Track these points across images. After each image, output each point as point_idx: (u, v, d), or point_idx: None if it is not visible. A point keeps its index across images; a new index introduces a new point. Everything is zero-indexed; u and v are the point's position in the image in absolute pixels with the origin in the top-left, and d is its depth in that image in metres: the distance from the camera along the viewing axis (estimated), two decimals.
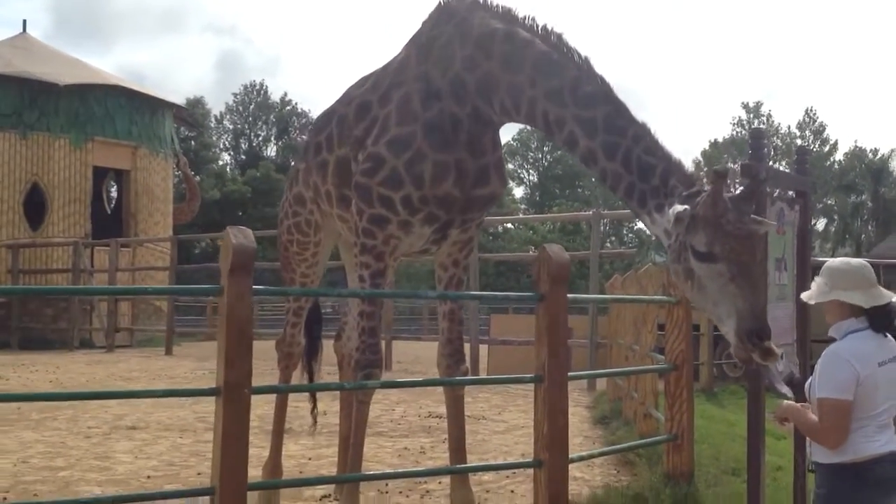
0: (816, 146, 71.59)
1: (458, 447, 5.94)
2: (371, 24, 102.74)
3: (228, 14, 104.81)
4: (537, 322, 5.85)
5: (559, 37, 5.14)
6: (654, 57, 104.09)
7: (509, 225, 60.74)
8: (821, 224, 72.75)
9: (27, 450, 8.37)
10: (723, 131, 75.46)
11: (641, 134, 4.84)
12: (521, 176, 73.78)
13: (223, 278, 4.83)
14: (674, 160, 4.80)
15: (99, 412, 10.51)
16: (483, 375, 15.80)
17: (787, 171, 7.83)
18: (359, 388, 5.53)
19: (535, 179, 72.89)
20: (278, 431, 6.86)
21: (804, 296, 4.12)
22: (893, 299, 3.83)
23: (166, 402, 10.98)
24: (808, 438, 3.91)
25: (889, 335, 3.84)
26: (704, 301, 4.47)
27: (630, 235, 67.94)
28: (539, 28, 5.18)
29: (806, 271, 6.51)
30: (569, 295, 5.84)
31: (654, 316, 8.67)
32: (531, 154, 73.00)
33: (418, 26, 5.72)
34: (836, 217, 71.59)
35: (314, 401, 7.34)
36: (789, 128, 72.48)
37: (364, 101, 5.70)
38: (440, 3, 5.50)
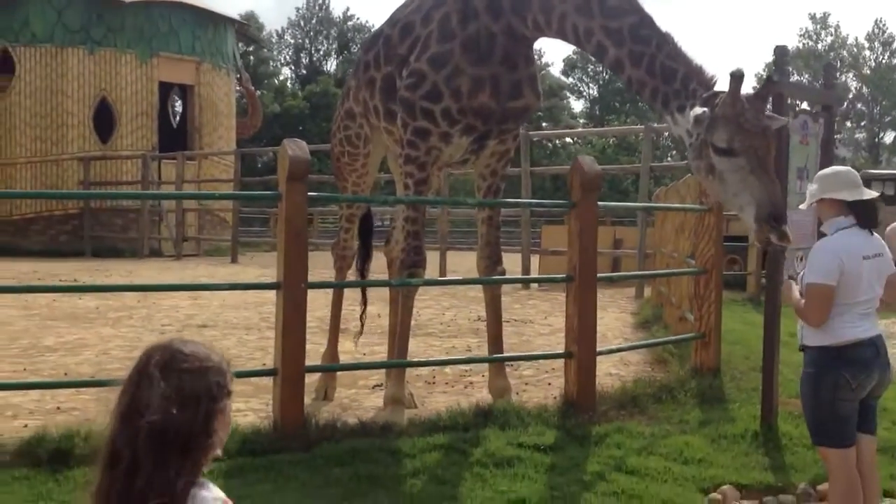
0: (886, 58, 69.67)
1: (495, 340, 6.50)
2: None
3: None
4: (569, 227, 6.37)
5: None
6: None
7: (567, 139, 60.58)
8: (889, 137, 71.25)
9: (107, 343, 9.15)
10: (790, 41, 73.61)
11: (664, 42, 5.27)
12: (581, 90, 73.13)
13: (281, 186, 5.41)
14: (694, 65, 5.22)
15: (171, 312, 11.29)
16: (533, 286, 16.34)
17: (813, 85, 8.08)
18: (403, 285, 6.09)
19: (595, 93, 72.17)
20: (335, 326, 7.50)
21: (801, 205, 4.57)
22: (875, 195, 4.27)
23: (233, 303, 11.72)
24: (798, 323, 4.37)
25: (875, 233, 4.27)
26: (725, 193, 4.96)
27: None
28: None
29: None
30: (599, 203, 6.34)
31: (690, 224, 9.05)
32: (591, 67, 72.10)
33: None
34: None
35: (364, 305, 7.64)
36: (857, 39, 70.44)
37: (408, 21, 6.17)
38: None
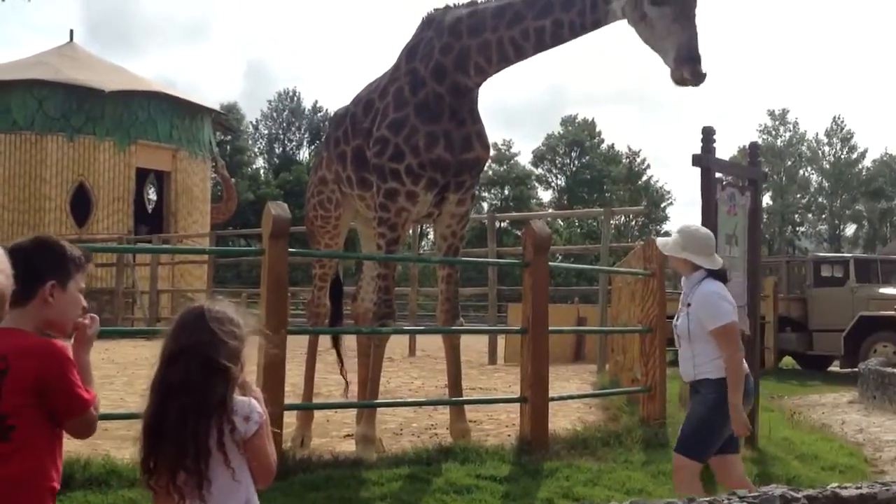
0: (845, 153, 71.92)
1: (455, 385, 7.13)
2: (391, 31, 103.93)
3: (255, 23, 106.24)
4: (523, 284, 7.05)
5: None
6: None
7: None
8: (850, 229, 73.08)
9: None
10: (750, 137, 75.75)
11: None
12: (549, 181, 74.74)
13: (264, 242, 6.06)
14: None
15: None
16: (499, 362, 16.94)
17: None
18: (374, 333, 6.73)
19: (563, 184, 73.78)
20: (309, 376, 8.07)
21: (659, 242, 5.29)
22: (724, 264, 5.07)
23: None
24: (690, 360, 4.98)
25: None
26: (652, 38, 5.76)
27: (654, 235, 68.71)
28: None
29: (756, 248, 7.65)
30: (550, 263, 7.04)
31: (639, 291, 9.76)
32: (559, 159, 73.93)
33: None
34: (864, 223, 71.87)
35: (341, 362, 8.30)
36: (816, 135, 72.81)
37: (369, 99, 7.08)
38: (423, 17, 6.88)
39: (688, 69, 5.43)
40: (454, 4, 6.80)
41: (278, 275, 6.01)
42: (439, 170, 6.66)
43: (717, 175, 7.21)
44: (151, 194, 34.11)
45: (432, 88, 6.60)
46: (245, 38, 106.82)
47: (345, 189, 7.43)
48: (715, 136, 7.01)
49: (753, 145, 8.04)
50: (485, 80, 6.67)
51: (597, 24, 6.10)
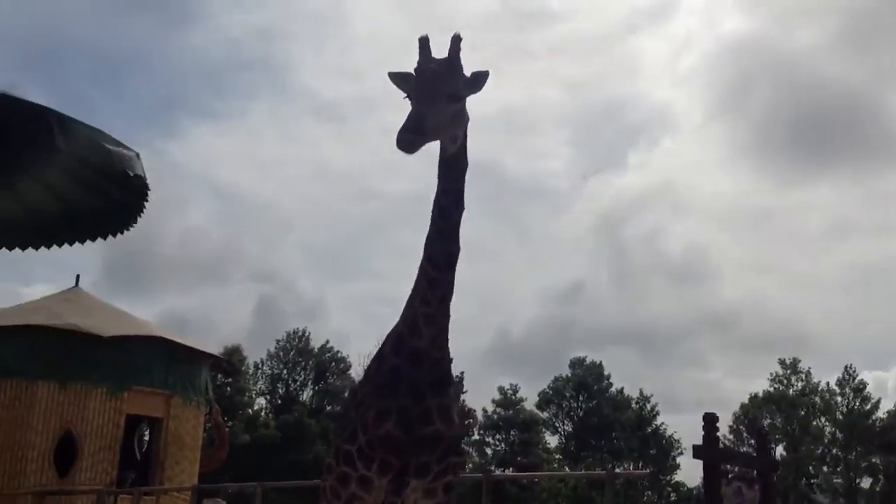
0: (857, 404, 70.70)
1: None
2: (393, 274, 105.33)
3: (269, 263, 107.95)
4: None
5: None
6: (693, 310, 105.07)
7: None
8: (865, 483, 70.62)
9: None
10: (761, 386, 74.54)
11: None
12: (556, 426, 73.27)
13: None
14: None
15: None
16: None
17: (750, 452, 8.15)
18: None
19: (570, 429, 72.25)
20: None
21: None
22: None
23: None
24: None
25: None
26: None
27: (673, 496, 66.51)
28: None
29: None
30: None
31: None
32: (566, 403, 72.85)
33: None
34: (881, 476, 69.53)
35: None
36: (828, 384, 71.79)
37: (354, 388, 6.65)
38: None
39: (399, 135, 5.44)
40: None
41: None
42: (391, 450, 5.96)
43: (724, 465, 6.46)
44: (146, 435, 33.08)
45: (390, 362, 6.17)
46: (260, 277, 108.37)
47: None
48: (718, 424, 6.34)
49: (762, 431, 7.38)
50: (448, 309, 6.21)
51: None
